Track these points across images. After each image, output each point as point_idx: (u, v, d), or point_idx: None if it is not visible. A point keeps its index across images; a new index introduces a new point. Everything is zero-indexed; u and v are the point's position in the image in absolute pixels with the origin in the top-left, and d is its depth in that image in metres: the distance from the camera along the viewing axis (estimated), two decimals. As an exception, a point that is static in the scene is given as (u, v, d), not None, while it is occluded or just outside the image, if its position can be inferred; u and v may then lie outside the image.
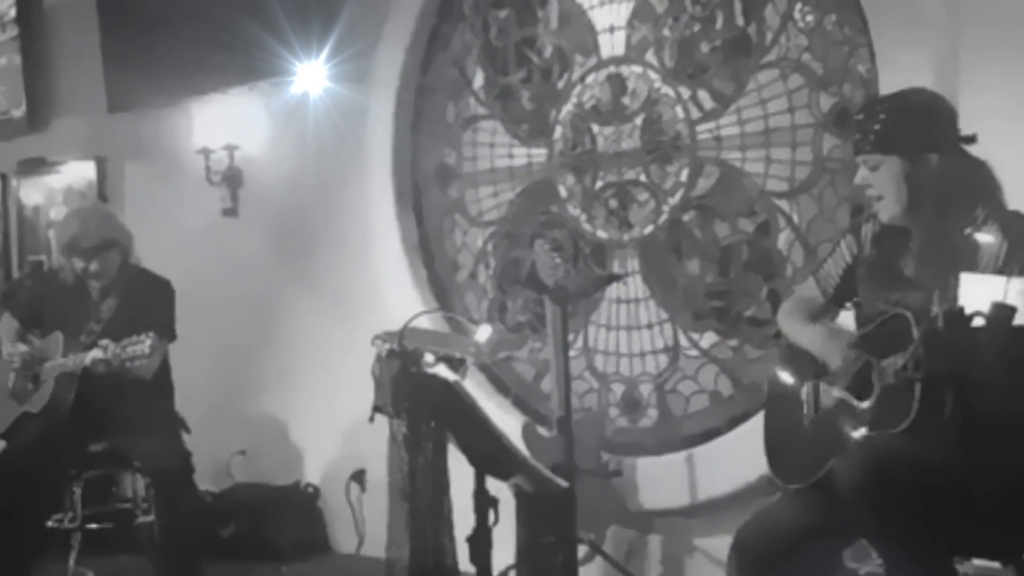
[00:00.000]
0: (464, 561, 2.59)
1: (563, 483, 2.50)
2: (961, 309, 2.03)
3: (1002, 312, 1.99)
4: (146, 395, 3.91)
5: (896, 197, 2.49)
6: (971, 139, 2.48)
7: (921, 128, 2.47)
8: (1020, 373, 2.10)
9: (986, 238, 2.28)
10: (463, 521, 2.57)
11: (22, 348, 4.05)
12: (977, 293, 2.07)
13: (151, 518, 4.24)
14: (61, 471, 4.08)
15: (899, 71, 3.36)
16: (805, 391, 2.64)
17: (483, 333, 2.95)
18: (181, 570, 3.91)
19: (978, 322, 2.01)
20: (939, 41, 3.37)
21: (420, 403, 2.59)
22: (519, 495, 2.51)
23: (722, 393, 3.97)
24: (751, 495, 3.50)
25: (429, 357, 2.75)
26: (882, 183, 2.51)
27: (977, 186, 2.46)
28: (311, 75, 4.70)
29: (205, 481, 4.51)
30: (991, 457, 2.23)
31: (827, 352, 2.59)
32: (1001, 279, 2.06)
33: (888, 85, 3.37)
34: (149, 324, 3.73)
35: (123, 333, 3.73)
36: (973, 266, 2.30)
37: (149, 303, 4.01)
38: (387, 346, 2.82)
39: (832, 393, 2.56)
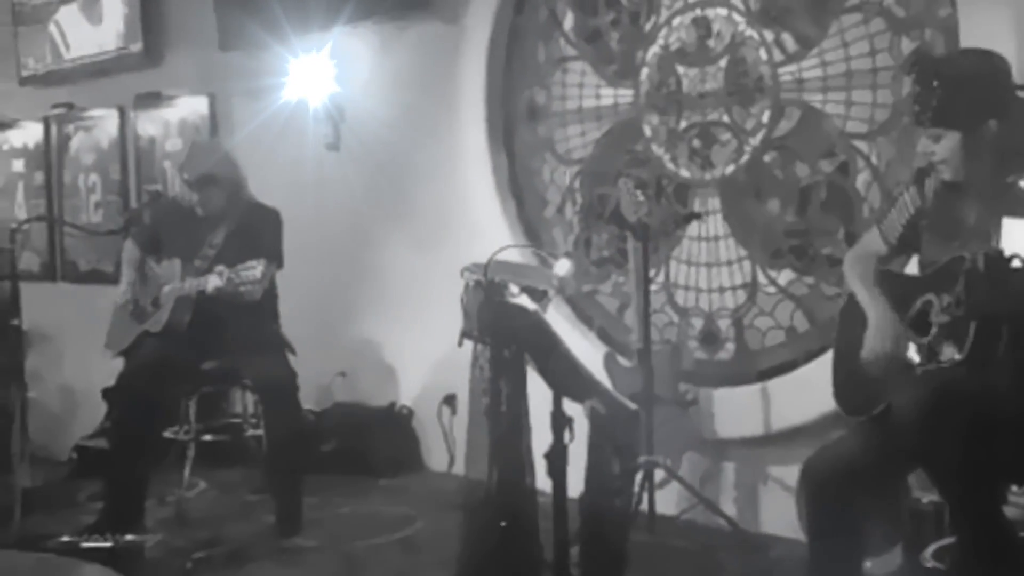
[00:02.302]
0: (541, 476, 2.76)
1: (632, 406, 2.66)
2: (1000, 251, 2.12)
3: (1039, 255, 2.09)
4: (255, 318, 4.11)
5: (958, 163, 2.56)
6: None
7: (978, 99, 2.51)
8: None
9: None
10: (541, 439, 2.72)
11: (131, 290, 4.31)
12: (1018, 236, 2.17)
13: (259, 432, 4.53)
14: (178, 387, 4.30)
15: (979, 15, 3.41)
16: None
17: (562, 267, 3.10)
18: (286, 481, 4.15)
19: (1016, 264, 2.11)
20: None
21: (503, 330, 2.75)
22: (593, 416, 2.67)
23: (798, 329, 4.08)
24: (823, 426, 3.57)
25: (513, 288, 2.92)
26: (944, 151, 2.57)
27: None
28: (410, 16, 4.87)
29: (308, 400, 4.69)
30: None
31: (880, 329, 2.65)
32: (1041, 223, 2.14)
33: (968, 30, 3.43)
34: (259, 251, 3.90)
35: (235, 259, 3.89)
36: None
37: (259, 232, 4.18)
38: (475, 277, 3.00)
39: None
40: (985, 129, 2.51)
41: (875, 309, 2.69)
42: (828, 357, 2.96)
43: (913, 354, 2.56)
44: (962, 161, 2.56)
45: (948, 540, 2.97)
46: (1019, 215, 2.33)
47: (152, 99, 6.18)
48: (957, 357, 2.38)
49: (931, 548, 3.05)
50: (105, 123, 6.48)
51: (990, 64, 2.57)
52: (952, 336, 2.41)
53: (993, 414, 2.30)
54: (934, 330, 2.51)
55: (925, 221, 2.70)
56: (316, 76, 5.29)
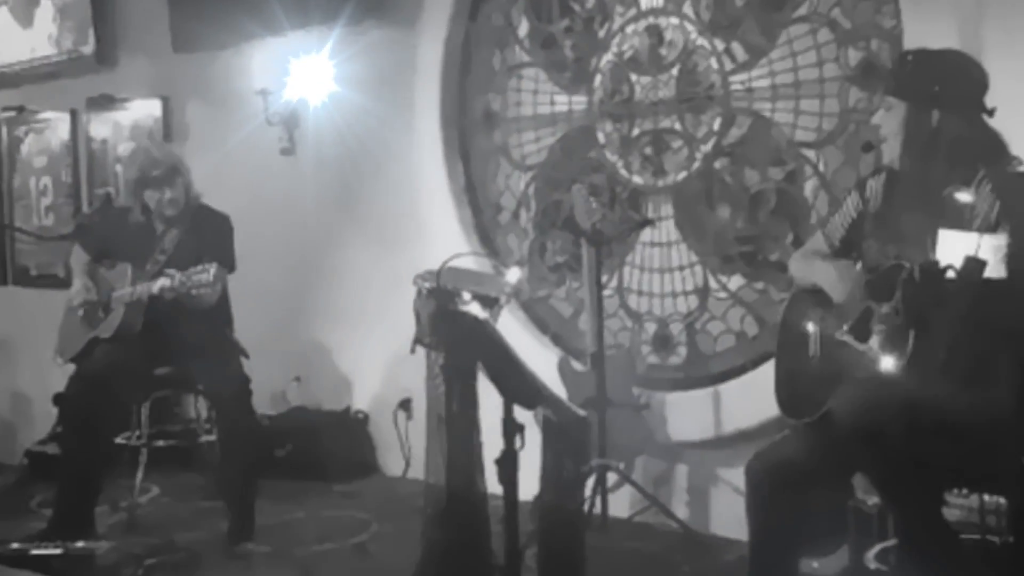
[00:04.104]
0: (492, 481, 2.78)
1: (581, 412, 2.69)
2: (935, 262, 2.18)
3: (973, 265, 2.15)
4: (208, 323, 4.10)
5: (896, 140, 2.65)
6: (989, 112, 2.61)
7: (934, 84, 2.59)
8: (990, 320, 2.26)
9: (968, 197, 2.41)
10: (492, 445, 2.73)
11: (86, 291, 4.26)
12: (952, 248, 2.24)
13: (212, 438, 4.52)
14: (129, 392, 4.27)
15: (924, 26, 3.48)
16: (812, 333, 2.79)
17: (512, 275, 3.13)
18: (240, 486, 4.13)
19: (951, 274, 2.17)
20: (964, -2, 3.46)
21: (454, 337, 2.78)
22: (544, 423, 2.70)
23: (748, 333, 4.14)
24: (773, 429, 3.52)
25: (465, 295, 2.94)
26: (889, 124, 2.67)
27: (981, 151, 2.57)
28: (365, 21, 4.88)
29: (262, 405, 4.69)
30: (972, 396, 2.39)
31: (835, 284, 2.70)
32: (974, 235, 2.21)
33: (913, 40, 3.48)
34: (210, 256, 3.91)
35: (186, 264, 3.89)
36: (965, 222, 2.45)
37: (210, 236, 4.17)
38: (427, 284, 3.02)
39: (836, 335, 2.72)
40: (927, 115, 2.58)
41: (825, 269, 2.75)
42: (776, 361, 3.01)
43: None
44: (899, 141, 2.63)
45: (891, 542, 3.02)
46: (954, 227, 2.40)
47: (104, 102, 6.13)
48: (896, 364, 2.43)
49: (874, 550, 3.11)
50: (57, 126, 6.42)
51: (962, 67, 2.65)
52: (891, 343, 2.46)
53: (931, 420, 2.36)
54: (874, 336, 2.56)
55: (868, 226, 2.76)
56: (271, 80, 5.27)
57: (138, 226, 4.24)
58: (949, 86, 2.59)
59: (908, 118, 2.61)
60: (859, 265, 2.78)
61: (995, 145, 2.61)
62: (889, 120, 2.67)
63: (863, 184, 2.80)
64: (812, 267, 2.83)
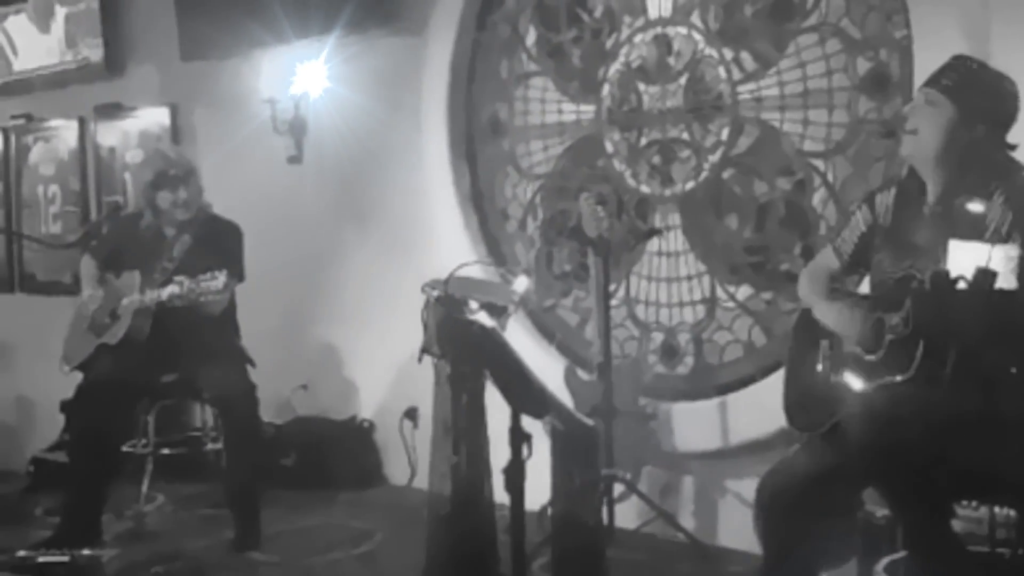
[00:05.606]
0: (499, 490, 2.77)
1: (588, 422, 2.69)
2: (946, 272, 2.18)
3: (984, 276, 2.14)
4: (215, 331, 4.12)
5: (928, 138, 2.61)
6: (1012, 147, 2.61)
7: (989, 101, 2.59)
8: (1000, 331, 2.25)
9: (981, 208, 2.41)
10: (499, 454, 2.71)
11: (96, 297, 4.26)
12: (963, 258, 2.22)
13: (219, 446, 4.52)
14: (136, 400, 4.30)
15: (933, 36, 3.48)
16: (822, 344, 2.79)
17: (520, 284, 3.13)
18: (246, 495, 4.15)
19: (961, 285, 2.16)
20: (972, 7, 3.46)
21: (461, 347, 2.77)
22: (553, 433, 2.69)
23: (755, 343, 4.12)
24: (780, 440, 3.60)
25: (472, 304, 2.94)
26: (926, 119, 2.62)
27: (999, 171, 2.57)
28: (372, 30, 4.88)
29: (269, 413, 4.69)
30: (982, 408, 2.37)
31: (847, 330, 2.71)
32: (986, 246, 2.20)
33: (923, 49, 3.50)
34: (219, 264, 3.90)
35: (194, 272, 3.89)
36: (978, 233, 2.45)
37: (219, 245, 4.19)
38: (435, 293, 3.02)
39: (845, 347, 2.71)
40: (971, 126, 2.57)
41: (832, 310, 2.75)
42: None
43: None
44: (932, 140, 2.60)
45: (900, 554, 3.01)
46: (965, 237, 2.39)
47: (112, 110, 6.15)
48: (905, 375, 2.42)
49: (883, 562, 3.09)
50: (65, 134, 6.44)
51: (1014, 97, 2.63)
52: (901, 354, 2.45)
53: (939, 432, 2.35)
54: (883, 348, 2.55)
55: (877, 240, 2.76)
56: (279, 88, 5.28)
57: (147, 233, 4.26)
58: (997, 106, 2.60)
59: (951, 121, 2.58)
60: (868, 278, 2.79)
61: (1009, 163, 2.60)
62: (928, 113, 2.62)
63: (872, 198, 2.79)
64: (821, 308, 2.81)
